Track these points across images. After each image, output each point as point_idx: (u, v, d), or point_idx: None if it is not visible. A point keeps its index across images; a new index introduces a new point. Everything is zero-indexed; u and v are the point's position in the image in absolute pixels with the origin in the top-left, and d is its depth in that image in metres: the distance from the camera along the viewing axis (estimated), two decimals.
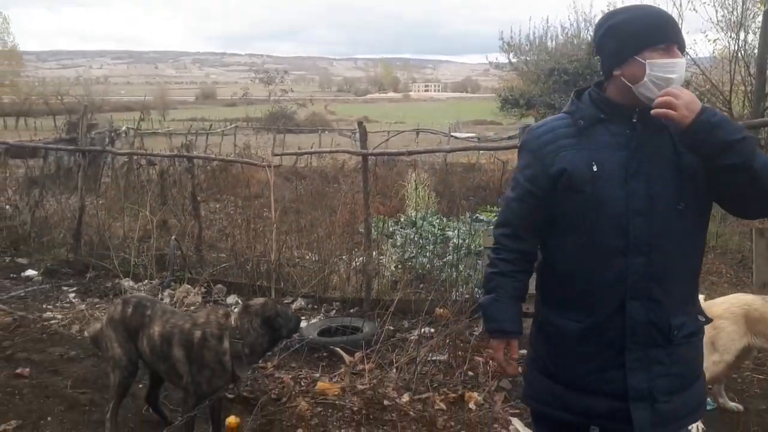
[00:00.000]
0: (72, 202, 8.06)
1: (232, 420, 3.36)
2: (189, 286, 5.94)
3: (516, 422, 3.30)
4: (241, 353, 2.71)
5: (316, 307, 5.82)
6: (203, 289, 5.92)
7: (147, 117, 15.34)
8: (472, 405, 3.48)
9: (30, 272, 6.70)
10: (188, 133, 14.47)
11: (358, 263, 6.33)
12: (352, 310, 5.65)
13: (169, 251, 6.38)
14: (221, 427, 3.09)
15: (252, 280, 6.05)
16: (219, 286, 6.10)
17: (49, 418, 3.29)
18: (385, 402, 3.46)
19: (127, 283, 6.19)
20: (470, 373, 3.96)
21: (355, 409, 3.36)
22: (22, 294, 5.85)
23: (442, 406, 3.47)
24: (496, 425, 3.30)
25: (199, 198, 7.39)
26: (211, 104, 69.75)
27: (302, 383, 3.81)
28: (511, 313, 1.94)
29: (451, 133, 21.02)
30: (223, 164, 13.37)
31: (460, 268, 6.05)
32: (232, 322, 2.76)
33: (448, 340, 4.28)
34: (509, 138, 16.02)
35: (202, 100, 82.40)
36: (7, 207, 7.87)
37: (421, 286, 6.24)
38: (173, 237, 6.50)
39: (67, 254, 7.16)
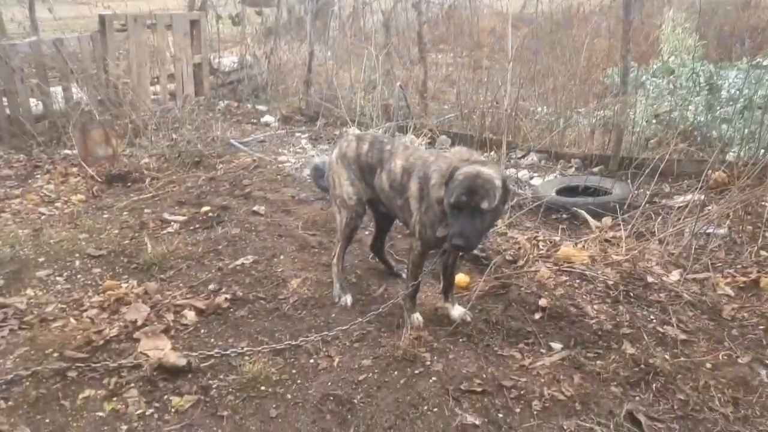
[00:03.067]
0: (303, 50, 8.15)
1: (461, 278, 3.01)
2: (413, 136, 5.63)
3: None
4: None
5: (551, 164, 5.15)
6: (428, 140, 5.58)
7: None
8: None
9: (268, 118, 7.02)
10: None
11: (600, 116, 5.42)
12: (594, 169, 4.86)
13: (393, 100, 6.10)
14: (451, 284, 2.76)
15: (479, 132, 5.53)
16: (443, 137, 5.70)
17: (281, 257, 3.28)
18: (649, 279, 2.80)
19: (353, 130, 6.11)
20: (763, 252, 3.06)
21: (610, 283, 2.76)
22: (261, 138, 6.11)
23: (728, 291, 2.70)
24: None
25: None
26: None
27: (540, 246, 3.28)
28: None
29: None
30: (447, 13, 12.59)
31: (739, 124, 4.79)
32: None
33: (730, 211, 3.34)
34: None
35: None
36: (248, 57, 8.22)
37: (684, 144, 5.14)
38: (398, 83, 6.16)
39: (300, 102, 7.35)
